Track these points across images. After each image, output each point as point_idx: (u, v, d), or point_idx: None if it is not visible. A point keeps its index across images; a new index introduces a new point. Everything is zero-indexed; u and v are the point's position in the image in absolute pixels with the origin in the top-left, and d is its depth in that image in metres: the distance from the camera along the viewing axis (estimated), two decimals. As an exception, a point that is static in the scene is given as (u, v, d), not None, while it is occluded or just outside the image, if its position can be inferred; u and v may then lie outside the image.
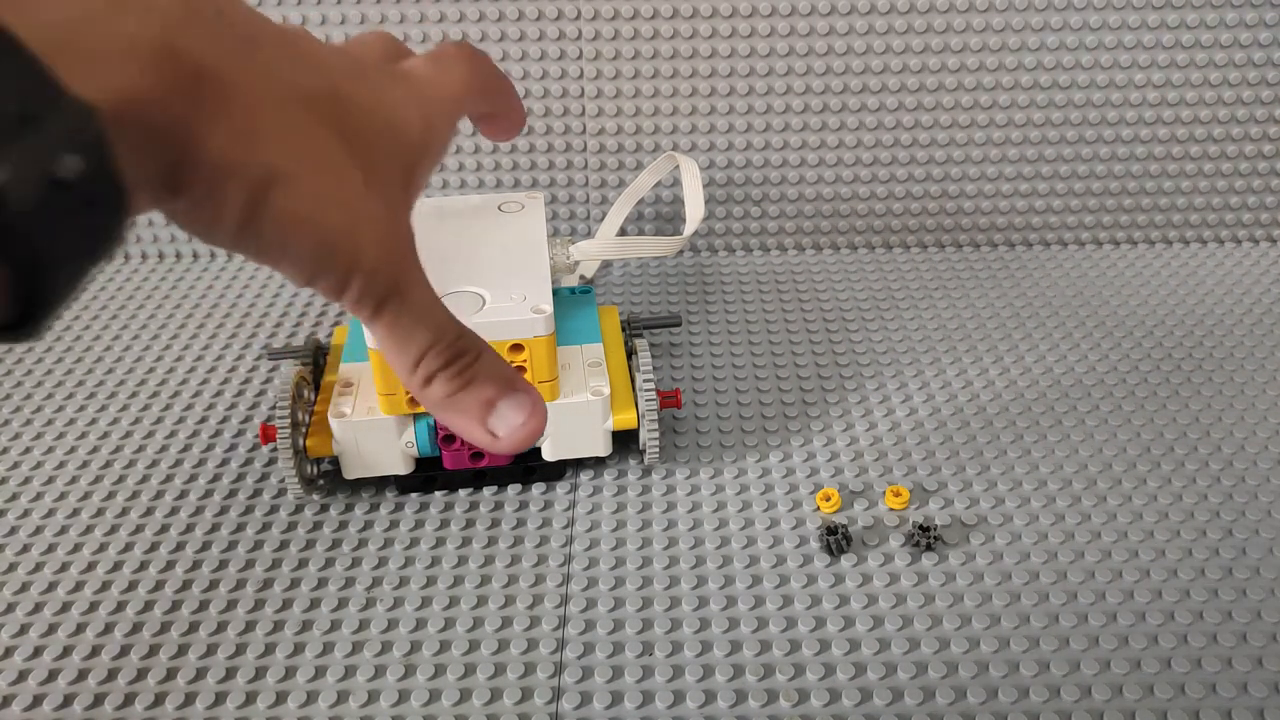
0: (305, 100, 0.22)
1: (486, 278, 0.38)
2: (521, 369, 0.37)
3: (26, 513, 0.40)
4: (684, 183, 0.50)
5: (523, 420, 0.28)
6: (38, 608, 0.36)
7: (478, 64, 0.29)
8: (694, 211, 0.50)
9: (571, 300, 0.45)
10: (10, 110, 0.16)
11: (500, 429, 0.28)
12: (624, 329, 0.46)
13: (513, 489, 0.41)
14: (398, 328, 0.26)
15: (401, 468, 0.39)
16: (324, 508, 0.40)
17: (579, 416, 0.39)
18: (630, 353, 0.43)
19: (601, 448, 0.40)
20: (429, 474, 0.40)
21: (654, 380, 0.40)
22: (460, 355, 0.27)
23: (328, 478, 0.41)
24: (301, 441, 0.39)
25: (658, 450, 0.40)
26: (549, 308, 0.37)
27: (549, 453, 0.40)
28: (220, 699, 0.32)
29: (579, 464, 0.42)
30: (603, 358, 0.41)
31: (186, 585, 0.37)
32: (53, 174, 0.16)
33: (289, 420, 0.38)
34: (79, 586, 0.37)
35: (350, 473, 0.39)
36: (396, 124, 0.25)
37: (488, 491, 0.41)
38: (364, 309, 0.25)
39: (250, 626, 0.35)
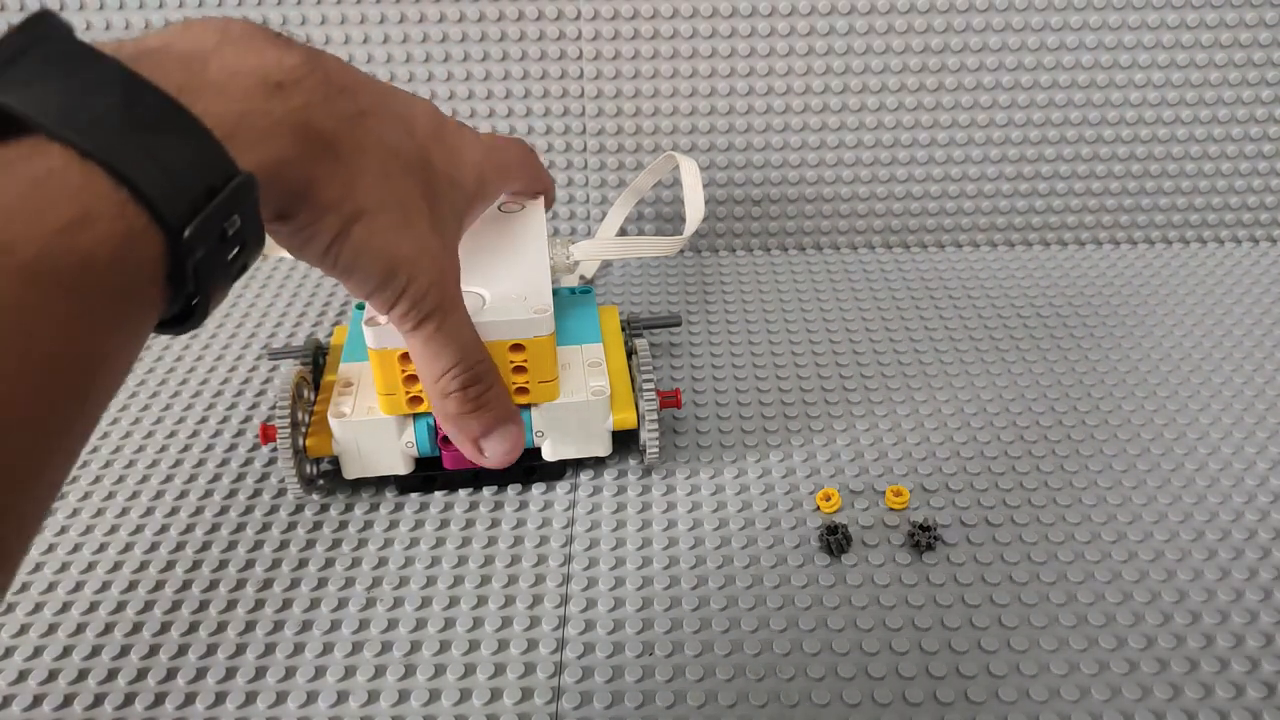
0: (398, 157, 0.29)
1: (486, 277, 0.38)
2: (521, 369, 0.37)
3: (26, 512, 0.40)
4: (684, 183, 0.50)
5: (507, 449, 0.36)
6: (38, 608, 0.36)
7: (527, 154, 0.41)
8: (694, 212, 0.50)
9: (571, 300, 0.45)
10: (201, 185, 0.21)
11: (488, 450, 0.36)
12: (624, 329, 0.45)
13: (513, 489, 0.41)
14: (431, 343, 0.32)
15: (401, 467, 0.39)
16: (324, 508, 0.40)
17: (579, 416, 0.39)
18: (630, 353, 0.43)
19: (601, 448, 0.40)
20: (429, 474, 0.40)
21: (654, 380, 0.40)
22: (477, 381, 0.34)
23: (328, 477, 0.41)
24: (301, 441, 0.39)
25: (658, 450, 0.40)
26: (549, 308, 0.36)
27: (549, 453, 0.40)
28: (220, 699, 0.32)
29: (579, 464, 0.42)
30: (603, 358, 0.41)
31: (186, 585, 0.37)
32: (224, 231, 0.22)
33: (289, 420, 0.38)
34: (79, 586, 0.37)
35: (350, 473, 0.39)
36: (459, 180, 0.32)
37: (487, 492, 0.41)
38: (407, 323, 0.31)
39: (250, 626, 0.35)
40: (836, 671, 0.33)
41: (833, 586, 0.36)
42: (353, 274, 0.28)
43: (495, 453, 0.36)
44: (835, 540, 0.37)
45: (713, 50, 0.55)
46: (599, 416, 0.39)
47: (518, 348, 0.37)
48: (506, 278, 0.38)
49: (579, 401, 0.39)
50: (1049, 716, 0.31)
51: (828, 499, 0.39)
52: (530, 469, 0.41)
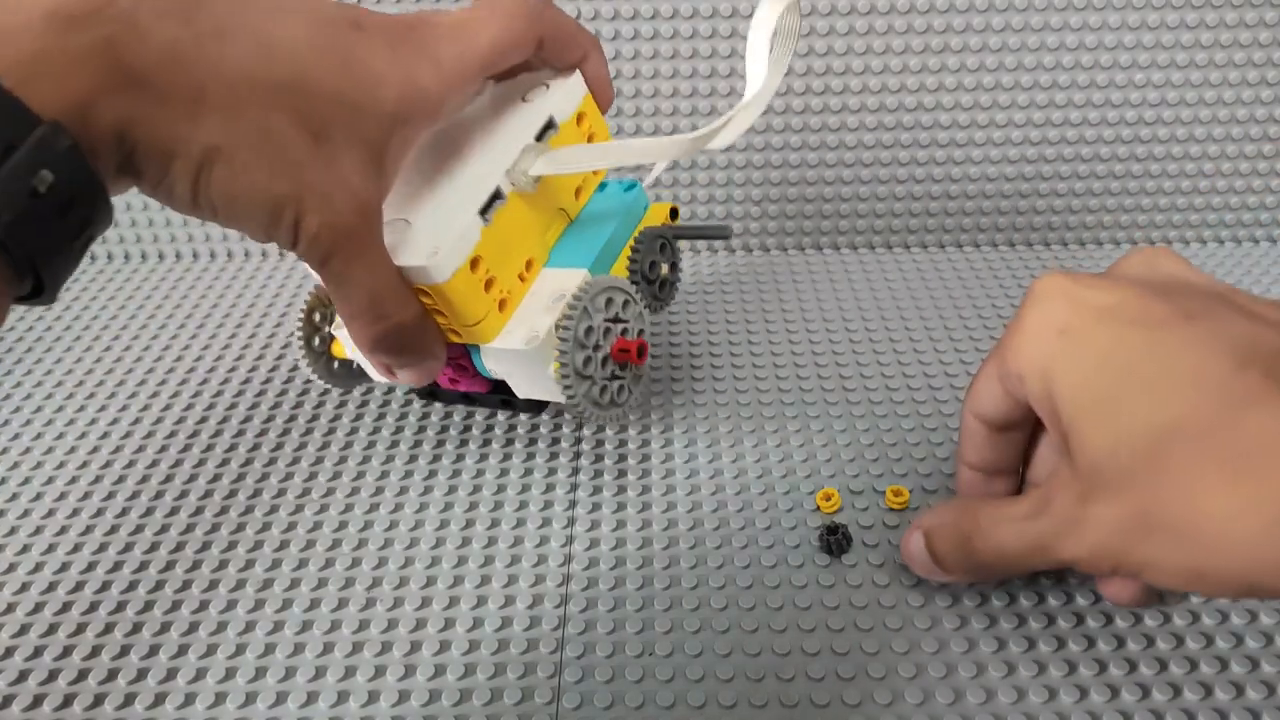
0: (253, 84, 0.25)
1: (427, 200, 0.33)
2: (439, 312, 0.33)
3: (27, 513, 0.40)
4: (751, 34, 0.35)
5: (419, 379, 0.34)
6: (38, 608, 0.36)
7: (520, 17, 0.32)
8: (771, 77, 0.35)
9: (600, 202, 0.38)
10: None
11: (401, 376, 0.34)
12: (639, 241, 0.38)
13: (513, 489, 0.41)
14: (335, 288, 0.30)
15: None
16: (324, 508, 0.40)
17: (516, 362, 0.34)
18: (643, 277, 0.36)
19: (560, 394, 0.35)
20: (431, 388, 0.40)
21: (572, 329, 0.33)
22: (390, 333, 0.31)
23: (335, 477, 0.41)
24: (317, 338, 0.40)
25: (580, 408, 0.35)
26: (438, 250, 0.31)
27: (520, 391, 0.36)
28: (220, 699, 0.32)
29: (578, 462, 0.42)
30: (569, 291, 0.35)
31: (186, 585, 0.37)
32: (33, 189, 0.20)
33: (305, 315, 0.40)
34: (79, 587, 0.37)
35: (373, 375, 0.40)
36: (363, 101, 0.28)
37: (488, 491, 0.41)
38: (310, 263, 0.29)
39: (250, 626, 0.35)
40: (837, 672, 0.33)
41: (833, 586, 0.36)
42: (234, 220, 0.26)
43: (406, 379, 0.34)
44: (835, 540, 0.37)
45: (713, 50, 0.55)
46: (538, 364, 0.34)
47: (424, 292, 0.32)
48: (442, 201, 0.33)
49: (509, 349, 0.34)
50: (1048, 717, 0.31)
51: (828, 499, 0.39)
52: (506, 401, 0.38)
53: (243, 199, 0.25)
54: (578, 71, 0.35)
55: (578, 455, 0.42)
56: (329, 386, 0.41)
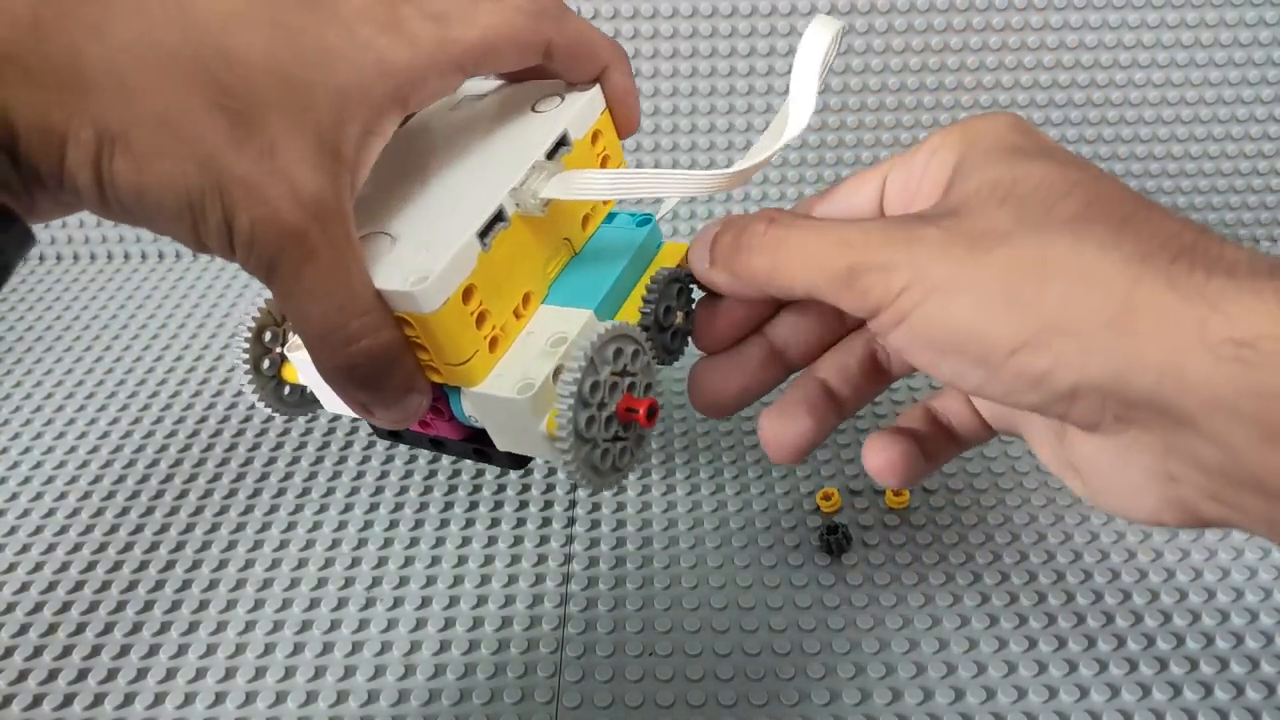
0: (163, 59, 0.22)
1: (414, 213, 0.29)
2: (420, 345, 0.28)
3: (26, 512, 0.40)
4: (798, 60, 0.31)
5: (398, 419, 0.28)
6: (38, 608, 0.36)
7: (526, 14, 0.27)
8: (797, 114, 0.32)
9: (609, 235, 0.33)
10: None
11: (378, 416, 0.28)
12: (654, 287, 0.31)
13: (513, 490, 0.41)
14: (288, 303, 0.25)
15: None
16: (324, 508, 0.40)
17: (503, 412, 0.29)
18: (656, 324, 0.31)
19: (549, 453, 0.29)
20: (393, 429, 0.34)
21: (577, 383, 0.27)
22: (358, 364, 0.26)
23: (336, 477, 0.41)
24: (266, 360, 0.35)
25: (576, 473, 0.28)
26: (428, 276, 0.26)
27: (500, 443, 0.31)
28: (220, 699, 0.32)
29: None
30: (571, 336, 0.29)
31: (186, 585, 0.37)
32: None
33: (253, 333, 0.34)
34: (79, 586, 0.37)
35: (327, 406, 0.35)
36: (309, 82, 0.24)
37: (488, 491, 0.41)
38: (257, 274, 0.24)
39: (250, 626, 0.35)
40: (836, 672, 0.33)
41: (833, 586, 0.36)
42: (151, 219, 0.23)
43: (384, 420, 0.29)
44: (835, 540, 0.37)
45: (713, 50, 0.55)
46: (528, 416, 0.28)
47: (405, 321, 0.27)
48: (434, 216, 0.29)
49: (498, 396, 0.29)
50: (1048, 716, 0.31)
51: (828, 499, 0.39)
52: (481, 451, 0.32)
53: (151, 193, 0.22)
54: (597, 85, 0.31)
55: (578, 455, 0.42)
56: (274, 414, 0.36)
